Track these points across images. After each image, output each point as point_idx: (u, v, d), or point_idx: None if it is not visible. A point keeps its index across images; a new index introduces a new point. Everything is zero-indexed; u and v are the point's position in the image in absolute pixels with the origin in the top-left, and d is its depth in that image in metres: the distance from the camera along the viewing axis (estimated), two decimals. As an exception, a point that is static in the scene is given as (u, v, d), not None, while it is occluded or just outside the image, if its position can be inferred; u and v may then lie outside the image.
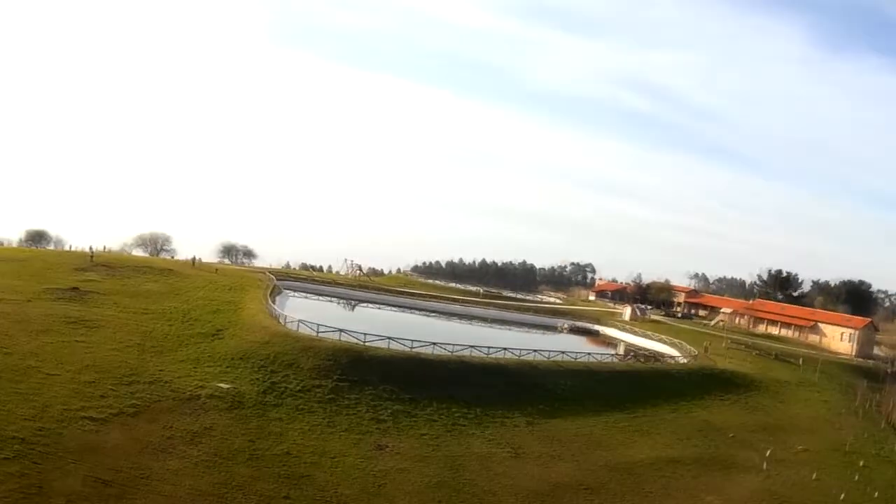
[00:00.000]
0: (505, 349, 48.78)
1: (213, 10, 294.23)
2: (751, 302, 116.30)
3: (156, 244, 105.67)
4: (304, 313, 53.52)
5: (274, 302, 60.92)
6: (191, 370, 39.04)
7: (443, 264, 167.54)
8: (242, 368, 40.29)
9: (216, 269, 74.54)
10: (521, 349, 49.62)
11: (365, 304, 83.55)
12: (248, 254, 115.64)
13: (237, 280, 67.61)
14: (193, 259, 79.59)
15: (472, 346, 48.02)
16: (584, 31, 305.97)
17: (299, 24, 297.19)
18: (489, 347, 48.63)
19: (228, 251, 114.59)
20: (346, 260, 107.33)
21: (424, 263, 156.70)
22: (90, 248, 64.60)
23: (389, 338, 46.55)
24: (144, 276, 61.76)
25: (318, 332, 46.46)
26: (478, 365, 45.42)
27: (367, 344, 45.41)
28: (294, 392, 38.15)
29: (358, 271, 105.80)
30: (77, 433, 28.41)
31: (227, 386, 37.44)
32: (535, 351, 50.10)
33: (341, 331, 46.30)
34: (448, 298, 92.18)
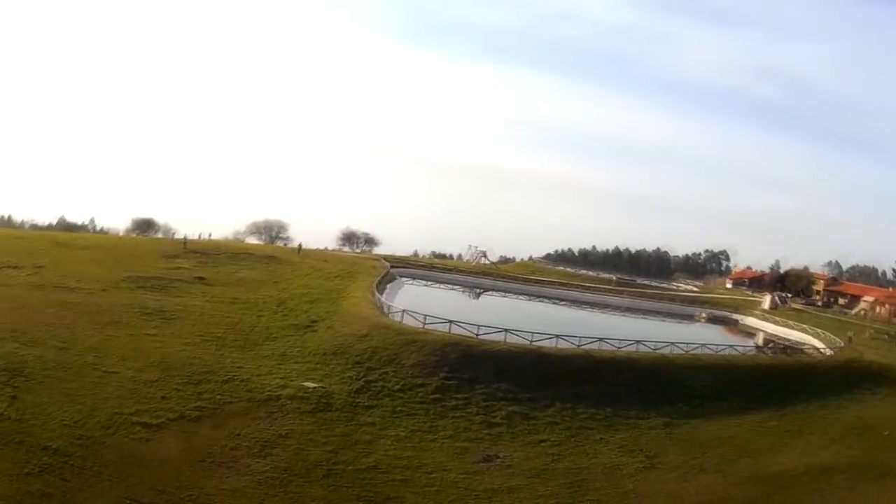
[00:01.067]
0: (638, 342, 44.93)
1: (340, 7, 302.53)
2: (892, 290, 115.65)
3: (270, 232, 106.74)
4: (418, 303, 49.96)
5: (384, 290, 57.95)
6: (274, 367, 35.74)
7: (575, 252, 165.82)
8: (334, 365, 36.63)
9: (325, 258, 72.70)
10: (655, 342, 45.92)
11: (489, 293, 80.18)
12: (370, 241, 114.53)
13: (348, 267, 65.30)
14: (299, 246, 78.32)
15: (600, 339, 43.78)
16: (717, 22, 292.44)
17: (432, 21, 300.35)
18: (620, 340, 44.55)
19: (349, 238, 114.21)
20: (469, 246, 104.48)
21: (556, 251, 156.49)
22: (184, 235, 64.70)
23: (507, 330, 41.93)
24: (241, 263, 60.45)
25: (424, 324, 42.32)
26: (607, 360, 41.22)
27: (480, 337, 40.95)
28: (392, 392, 34.14)
29: (482, 258, 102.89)
30: (122, 442, 25.28)
31: (313, 385, 33.66)
32: (671, 343, 46.07)
33: (451, 322, 42.12)
34: (580, 286, 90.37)
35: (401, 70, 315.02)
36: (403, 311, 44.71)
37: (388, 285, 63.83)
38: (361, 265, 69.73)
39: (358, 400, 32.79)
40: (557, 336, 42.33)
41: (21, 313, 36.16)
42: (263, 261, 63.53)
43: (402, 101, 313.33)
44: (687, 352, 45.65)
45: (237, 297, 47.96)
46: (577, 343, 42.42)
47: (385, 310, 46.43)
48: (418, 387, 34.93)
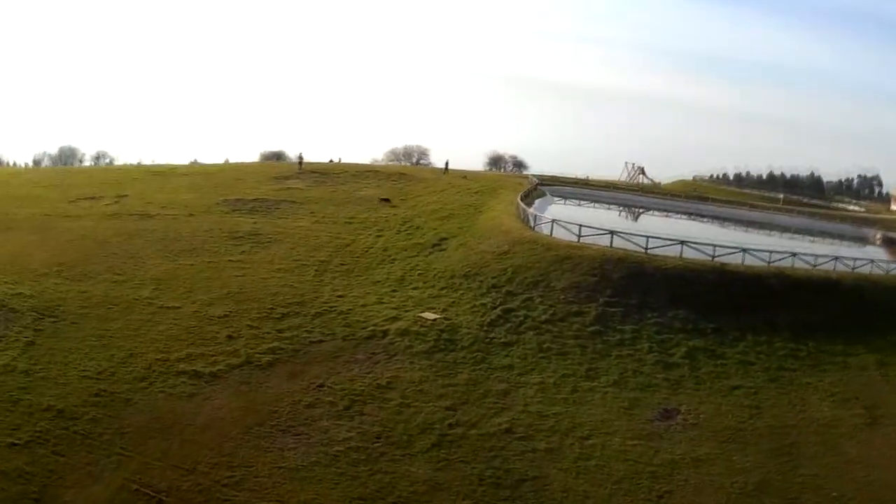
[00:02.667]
0: (836, 258, 37.53)
1: None
2: None
3: (411, 158, 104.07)
4: (571, 219, 43.01)
5: (531, 206, 51.30)
6: (386, 294, 29.86)
7: (729, 176, 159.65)
8: (464, 290, 30.12)
9: (465, 175, 67.34)
10: (853, 259, 38.53)
11: (648, 212, 72.66)
12: (519, 165, 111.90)
13: (490, 183, 59.32)
14: (446, 165, 73.00)
15: (793, 255, 36.17)
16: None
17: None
18: (816, 256, 37.21)
19: (496, 162, 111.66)
20: (626, 163, 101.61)
21: (711, 177, 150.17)
22: (299, 154, 60.79)
23: (683, 242, 34.29)
24: (364, 181, 55.42)
25: (579, 237, 34.82)
26: (803, 280, 33.10)
27: (649, 252, 32.90)
28: (538, 323, 27.31)
29: (640, 175, 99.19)
30: (155, 399, 20.28)
31: (434, 316, 27.33)
32: (871, 262, 38.33)
33: (613, 233, 34.39)
34: (746, 205, 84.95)
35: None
36: (553, 220, 37.55)
37: (537, 201, 57.04)
38: (505, 181, 63.60)
39: (492, 335, 26.29)
40: (744, 250, 34.37)
41: (79, 245, 32.87)
42: (391, 178, 58.14)
43: (537, 30, 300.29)
44: (888, 272, 37.22)
45: (353, 217, 42.80)
46: (767, 260, 34.69)
47: (531, 222, 39.38)
48: (572, 316, 28.01)
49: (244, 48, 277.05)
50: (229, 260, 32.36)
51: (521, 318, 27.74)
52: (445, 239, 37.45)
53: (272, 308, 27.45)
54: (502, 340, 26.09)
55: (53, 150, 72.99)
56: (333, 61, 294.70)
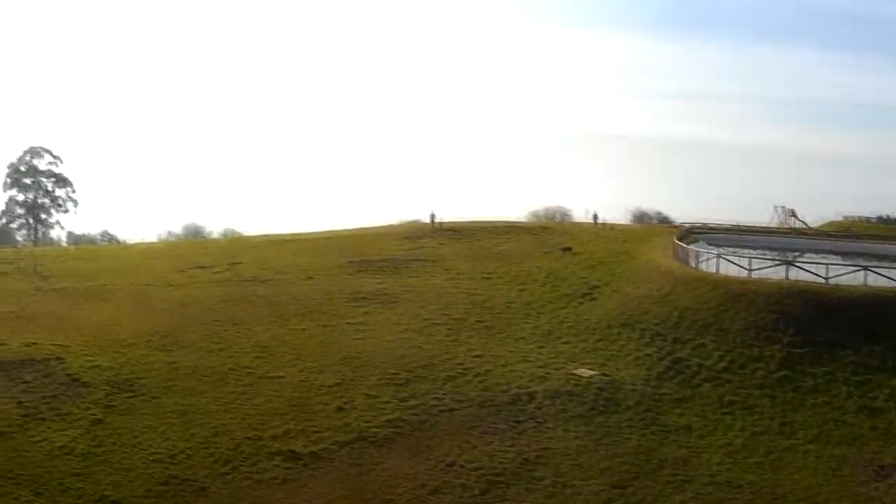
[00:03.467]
0: None
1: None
2: None
3: (553, 218, 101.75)
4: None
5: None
6: (532, 351, 25.61)
7: (871, 218, 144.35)
8: (624, 340, 25.91)
9: (612, 227, 63.73)
10: None
11: (806, 256, 65.48)
12: (664, 220, 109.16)
13: (639, 233, 55.19)
14: (595, 217, 68.88)
15: None
16: None
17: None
18: None
19: (640, 218, 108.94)
20: (775, 207, 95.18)
21: (861, 217, 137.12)
22: (431, 213, 57.77)
23: (865, 268, 30.72)
24: (504, 236, 51.80)
25: (750, 271, 30.11)
26: None
27: (832, 282, 28.62)
28: (715, 373, 23.45)
29: (791, 217, 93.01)
30: (238, 488, 16.73)
31: (590, 373, 22.92)
32: None
33: (790, 263, 30.50)
34: None
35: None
36: (718, 255, 32.96)
37: (692, 246, 52.29)
38: (654, 231, 59.95)
39: (661, 390, 22.12)
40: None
41: (177, 313, 30.60)
42: (534, 232, 54.46)
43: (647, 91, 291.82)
44: None
45: (493, 272, 39.00)
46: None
47: (692, 260, 34.69)
48: (754, 361, 23.91)
49: (369, 114, 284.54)
50: (348, 322, 29.08)
51: (695, 369, 23.79)
52: (596, 287, 33.18)
53: (395, 373, 23.79)
54: (675, 396, 22.04)
55: (178, 229, 74.52)
56: (455, 123, 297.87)
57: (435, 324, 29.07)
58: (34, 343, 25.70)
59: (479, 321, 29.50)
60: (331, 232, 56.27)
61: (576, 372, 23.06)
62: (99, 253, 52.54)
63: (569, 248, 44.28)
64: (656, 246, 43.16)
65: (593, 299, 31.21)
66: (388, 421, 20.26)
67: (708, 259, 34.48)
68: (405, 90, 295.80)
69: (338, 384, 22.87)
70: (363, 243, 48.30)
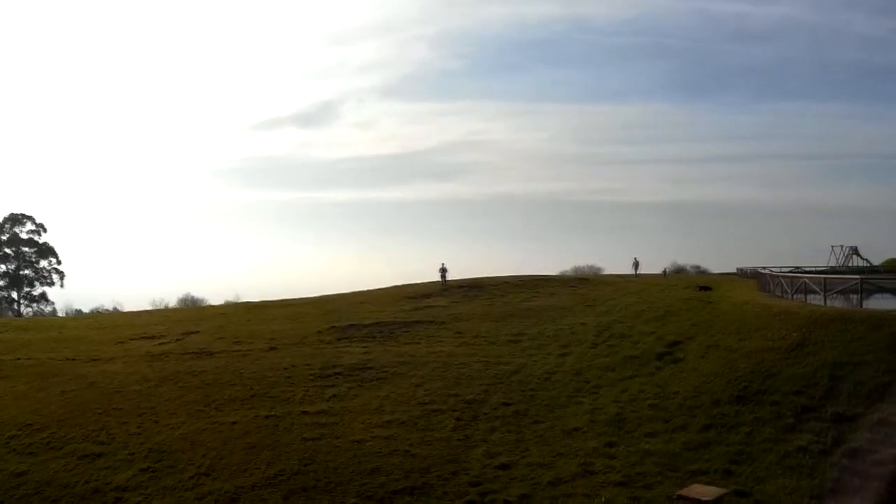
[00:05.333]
0: None
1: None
2: None
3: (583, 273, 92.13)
4: None
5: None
6: (597, 452, 15.46)
7: None
8: (750, 424, 15.58)
9: (664, 273, 54.25)
10: None
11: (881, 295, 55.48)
12: (703, 272, 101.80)
13: (697, 279, 45.21)
14: (636, 265, 59.44)
15: None
16: None
17: None
18: None
19: (678, 272, 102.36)
20: (832, 248, 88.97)
21: None
22: (442, 265, 47.64)
23: None
24: (532, 290, 41.93)
25: None
26: None
27: None
28: None
29: (854, 256, 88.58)
30: None
31: (716, 491, 12.59)
32: None
33: None
34: None
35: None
36: (861, 279, 24.36)
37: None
38: (716, 278, 49.73)
39: None
40: None
41: (75, 397, 20.73)
42: (569, 284, 44.42)
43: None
44: None
45: (522, 333, 28.92)
46: None
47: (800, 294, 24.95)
48: None
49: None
50: (304, 411, 18.99)
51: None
52: (678, 343, 23.03)
53: (361, 500, 13.73)
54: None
55: (173, 301, 65.27)
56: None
57: (436, 410, 18.90)
58: None
59: (505, 403, 19.36)
60: (325, 296, 46.48)
61: (687, 493, 12.64)
62: (44, 323, 43.01)
63: (707, 288, 35.83)
64: (738, 286, 33.25)
65: (676, 361, 21.15)
66: None
67: (846, 288, 24.91)
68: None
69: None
70: (356, 306, 38.39)
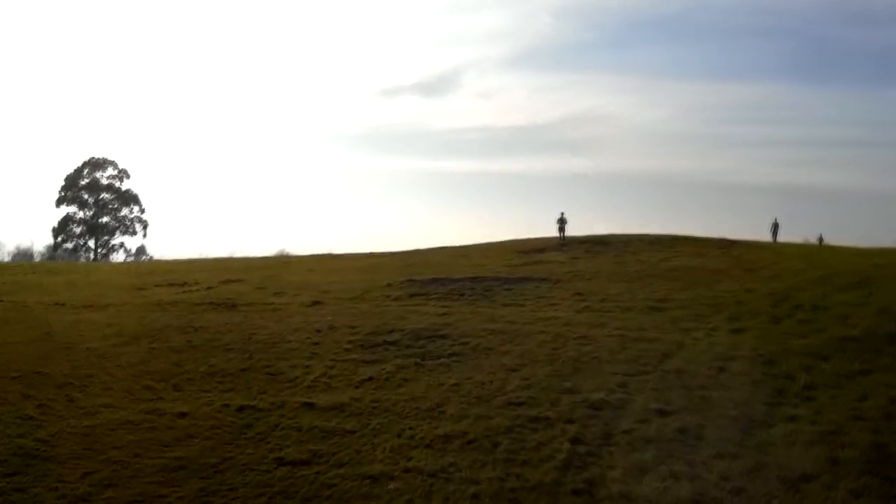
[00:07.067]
0: None
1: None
2: None
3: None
4: None
5: None
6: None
7: None
8: None
9: (820, 239, 44.57)
10: None
11: None
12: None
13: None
14: (774, 227, 49.08)
15: None
16: None
17: None
18: None
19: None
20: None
21: None
22: (560, 219, 37.82)
23: None
24: (669, 250, 32.56)
25: None
26: None
27: None
28: None
29: None
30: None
31: None
32: None
33: None
34: None
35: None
36: None
37: None
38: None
39: None
40: None
41: (13, 352, 13.97)
42: (715, 245, 34.63)
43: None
44: None
45: (668, 298, 20.14)
46: None
47: None
48: None
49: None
50: (306, 402, 11.01)
51: None
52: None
53: None
54: None
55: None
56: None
57: (537, 419, 10.55)
58: None
59: (660, 410, 10.82)
60: (415, 250, 38.48)
61: None
62: (78, 268, 37.16)
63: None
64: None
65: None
66: None
67: None
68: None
69: None
70: (450, 260, 30.20)
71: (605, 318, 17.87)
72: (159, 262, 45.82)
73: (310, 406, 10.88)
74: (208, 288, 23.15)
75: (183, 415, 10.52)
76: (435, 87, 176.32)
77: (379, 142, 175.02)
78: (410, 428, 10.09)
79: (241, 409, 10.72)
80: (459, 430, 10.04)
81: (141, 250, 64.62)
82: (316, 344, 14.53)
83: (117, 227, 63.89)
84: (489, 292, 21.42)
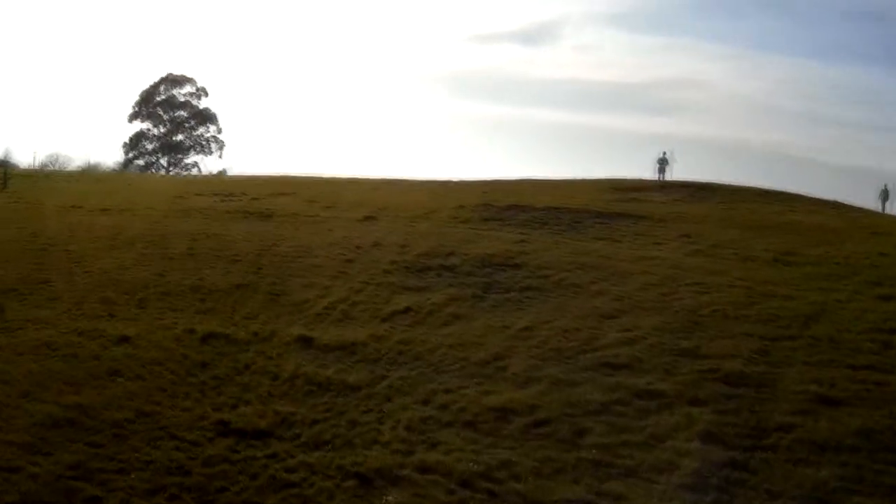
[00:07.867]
0: None
1: None
2: None
3: None
4: None
5: None
6: None
7: None
8: None
9: None
10: None
11: None
12: None
13: None
14: (883, 194, 43.07)
15: None
16: None
17: None
18: None
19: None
20: None
21: None
22: (661, 157, 33.13)
23: None
24: (783, 204, 27.75)
25: None
26: None
27: None
28: None
29: None
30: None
31: None
32: None
33: None
34: None
35: None
36: None
37: None
38: None
39: None
40: None
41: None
42: (829, 205, 29.77)
43: None
44: None
45: (793, 251, 15.97)
46: None
47: None
48: None
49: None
50: (301, 335, 7.76)
51: None
52: None
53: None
54: None
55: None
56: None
57: (645, 393, 6.95)
58: None
59: (822, 391, 7.08)
60: (498, 180, 34.59)
61: None
62: (127, 178, 34.71)
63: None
64: None
65: None
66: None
67: None
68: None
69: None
70: (533, 189, 26.35)
71: (723, 265, 13.98)
72: (220, 177, 43.42)
73: (306, 342, 7.58)
74: (252, 199, 20.07)
75: (124, 340, 7.34)
76: (533, 36, 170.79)
77: (473, 86, 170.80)
78: (447, 391, 6.61)
79: (206, 338, 7.50)
80: (524, 400, 6.52)
81: (216, 171, 62.57)
82: (349, 262, 11.17)
83: (192, 146, 61.70)
84: (578, 224, 17.66)
